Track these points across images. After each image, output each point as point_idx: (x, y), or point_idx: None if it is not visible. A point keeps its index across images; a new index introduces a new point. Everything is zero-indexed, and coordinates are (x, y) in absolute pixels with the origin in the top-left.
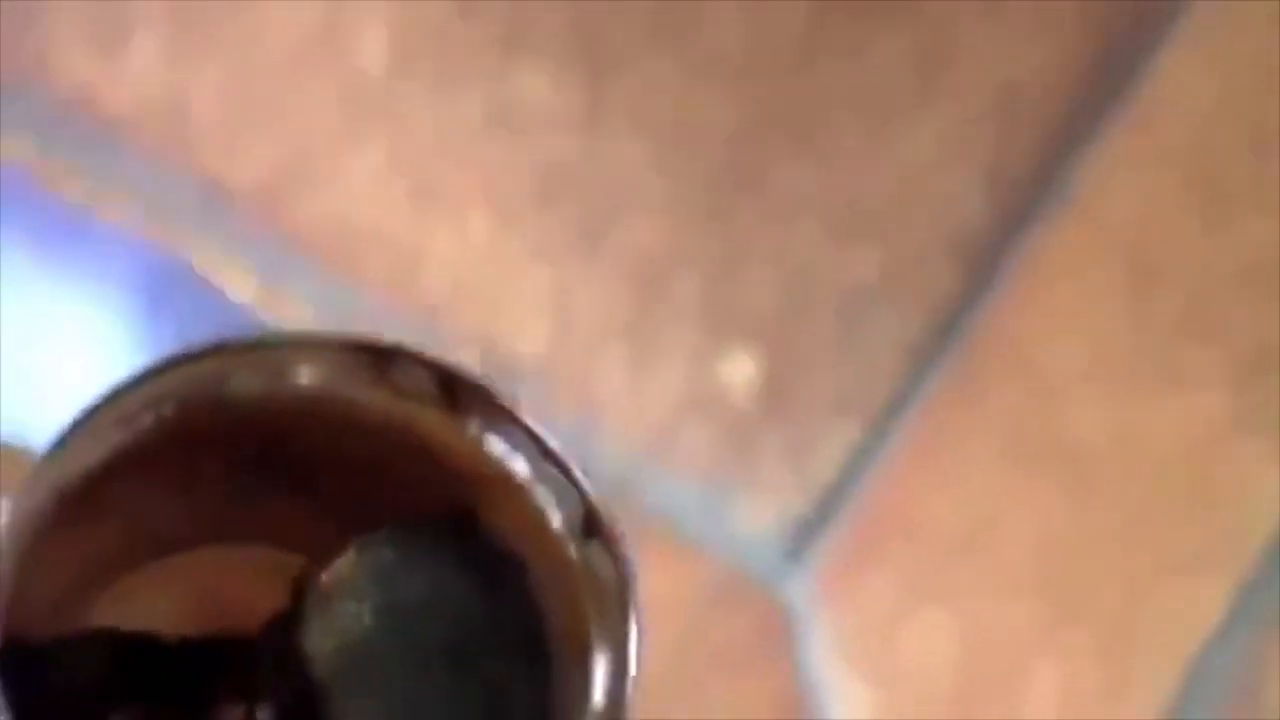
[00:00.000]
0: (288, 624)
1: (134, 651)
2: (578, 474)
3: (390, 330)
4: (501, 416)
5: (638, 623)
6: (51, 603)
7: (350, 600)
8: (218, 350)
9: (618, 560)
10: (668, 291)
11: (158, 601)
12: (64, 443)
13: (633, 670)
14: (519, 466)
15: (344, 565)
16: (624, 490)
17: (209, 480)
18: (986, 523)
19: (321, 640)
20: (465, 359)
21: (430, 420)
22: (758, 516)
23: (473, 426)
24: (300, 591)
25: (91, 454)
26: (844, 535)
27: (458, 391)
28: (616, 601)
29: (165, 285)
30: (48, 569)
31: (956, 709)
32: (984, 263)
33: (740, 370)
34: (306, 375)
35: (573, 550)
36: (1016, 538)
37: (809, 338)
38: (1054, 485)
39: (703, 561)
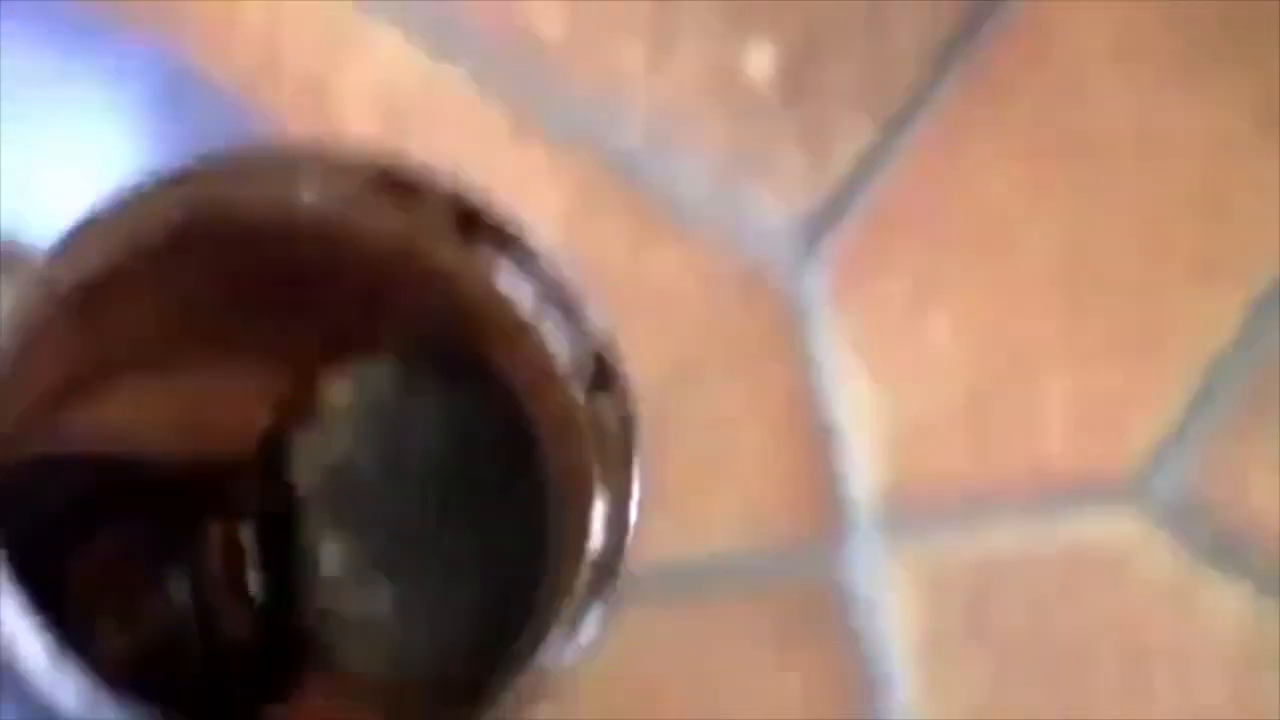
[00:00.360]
0: (276, 443)
1: (114, 471)
2: (591, 321)
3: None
4: (518, 255)
5: (640, 473)
6: (32, 410)
7: (343, 423)
8: (229, 162)
9: (624, 412)
10: None
11: (141, 413)
12: (66, 246)
13: (633, 520)
14: (529, 307)
15: (340, 387)
16: (638, 176)
17: (207, 291)
18: (1004, 222)
19: (311, 461)
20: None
21: (443, 252)
22: (772, 210)
23: (486, 262)
24: (292, 410)
25: (93, 260)
26: (859, 231)
27: (475, 225)
28: (620, 451)
29: (178, 93)
30: (32, 376)
31: (967, 408)
32: None
33: (760, 58)
34: (318, 193)
35: (578, 397)
36: (1033, 239)
37: (831, 28)
38: (1073, 186)
39: (715, 253)
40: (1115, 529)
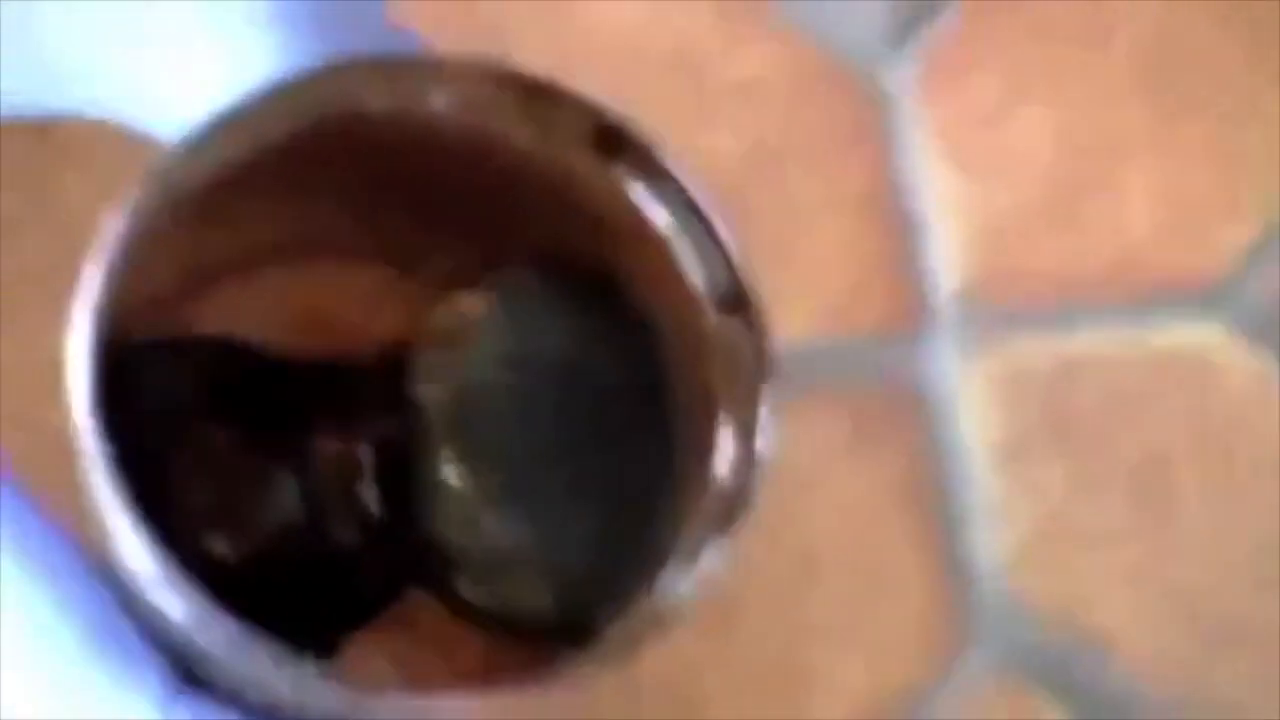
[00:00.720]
0: (402, 358)
1: (234, 362)
2: (729, 243)
3: None
4: (655, 171)
5: (771, 405)
6: (151, 301)
7: (473, 339)
8: (360, 65)
9: (758, 336)
10: None
11: (264, 312)
12: (190, 144)
13: (760, 451)
14: (665, 222)
15: (471, 305)
16: None
17: (334, 194)
18: (1100, 15)
19: (437, 380)
20: None
21: (576, 164)
22: (864, 2)
23: (621, 176)
24: (418, 323)
25: (217, 159)
26: (949, 25)
27: (614, 140)
28: (750, 379)
29: None
30: (152, 267)
31: (1054, 205)
32: None
33: None
34: (449, 99)
35: (711, 318)
36: (1130, 33)
37: None
38: None
39: (806, 45)
40: (1200, 333)
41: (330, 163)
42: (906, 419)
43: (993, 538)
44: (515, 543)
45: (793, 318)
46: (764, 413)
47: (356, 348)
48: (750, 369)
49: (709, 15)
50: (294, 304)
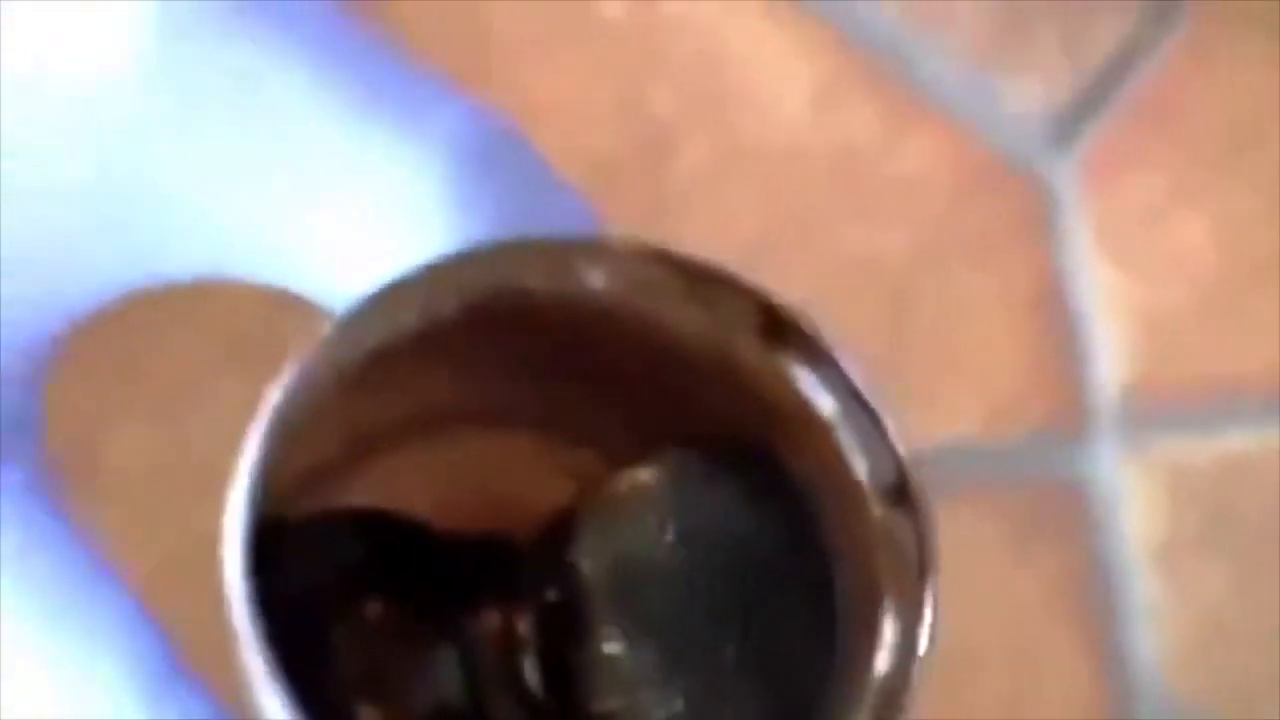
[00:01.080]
0: (566, 529)
1: (393, 538)
2: (891, 431)
3: None
4: (819, 356)
5: (934, 597)
6: (308, 476)
7: (640, 514)
8: (525, 245)
9: (921, 530)
10: None
11: (423, 486)
12: (356, 316)
13: (922, 646)
14: (830, 410)
15: (638, 476)
16: (892, 58)
17: (499, 368)
18: (1263, 123)
19: (601, 552)
20: None
21: (742, 348)
22: (1027, 99)
23: (787, 361)
24: (585, 497)
25: (382, 330)
26: (1112, 126)
27: (780, 328)
28: (914, 573)
29: (493, 152)
30: (313, 437)
31: (1214, 306)
32: None
33: None
34: (610, 280)
35: (875, 509)
36: None
37: None
38: None
39: (969, 141)
40: None
41: (496, 338)
42: (1069, 517)
43: (1152, 636)
44: (676, 718)
45: (957, 415)
46: (927, 606)
47: (517, 522)
48: (914, 562)
49: (873, 108)
50: (453, 474)
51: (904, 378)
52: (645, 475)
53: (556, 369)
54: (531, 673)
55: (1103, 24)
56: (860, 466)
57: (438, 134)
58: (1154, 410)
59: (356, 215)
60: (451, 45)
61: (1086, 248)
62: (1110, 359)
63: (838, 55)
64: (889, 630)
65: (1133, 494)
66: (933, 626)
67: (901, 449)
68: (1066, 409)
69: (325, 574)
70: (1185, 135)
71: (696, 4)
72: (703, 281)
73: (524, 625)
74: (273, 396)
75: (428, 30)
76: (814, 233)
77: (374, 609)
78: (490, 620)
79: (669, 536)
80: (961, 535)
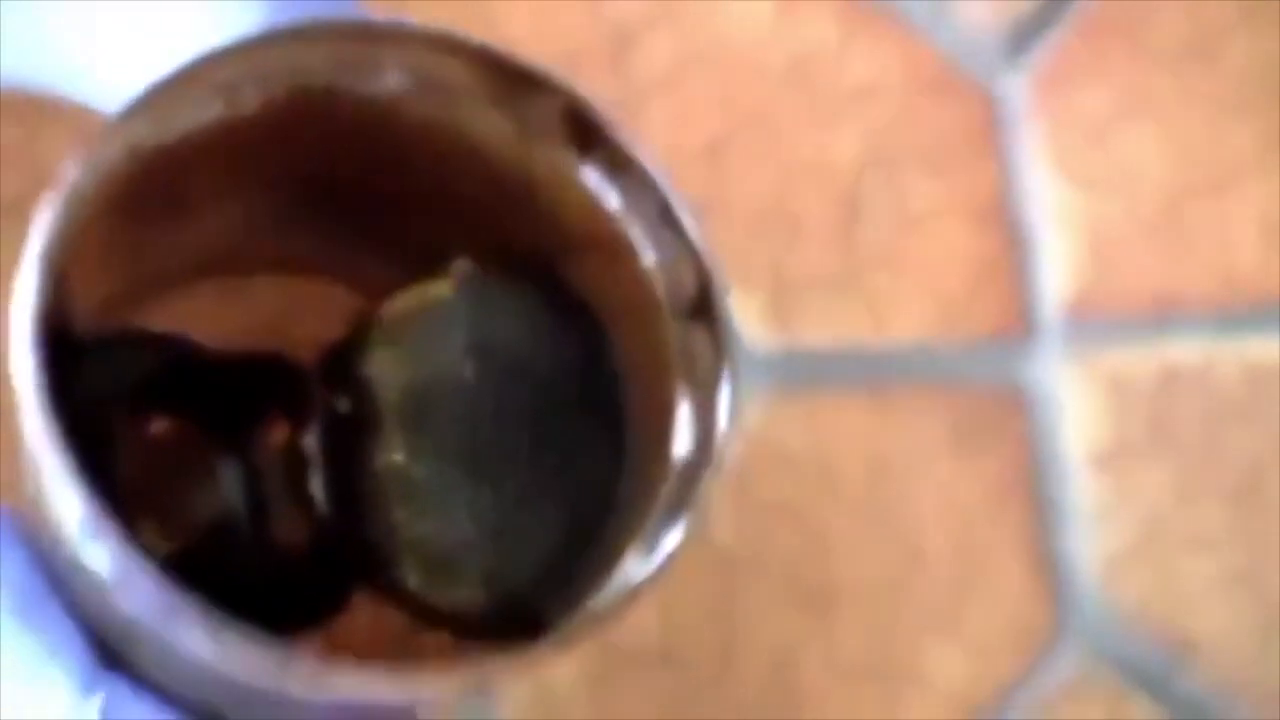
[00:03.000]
0: (351, 349)
1: (178, 358)
2: (698, 243)
3: None
4: (627, 165)
5: (730, 411)
6: (100, 301)
7: (428, 328)
8: (338, 32)
9: (719, 339)
10: None
11: (212, 321)
12: (150, 100)
13: (715, 449)
14: (634, 229)
15: (429, 290)
16: None
17: (288, 192)
18: (1211, 35)
19: (389, 365)
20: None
21: (547, 161)
22: (981, 11)
23: (593, 173)
24: (366, 321)
25: (177, 121)
26: (1064, 39)
27: (590, 135)
28: (710, 380)
29: None
30: (101, 259)
31: (1162, 218)
32: None
33: None
34: (411, 79)
35: (673, 325)
36: (1241, 53)
37: None
38: None
39: (922, 51)
40: None
41: (295, 153)
42: (1011, 421)
43: (1091, 540)
44: (465, 537)
45: (904, 318)
46: (720, 412)
47: (307, 351)
48: (711, 370)
49: (830, 17)
50: (242, 312)
51: (854, 280)
52: (436, 289)
53: (354, 198)
54: (318, 487)
55: None
56: (659, 284)
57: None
58: (1097, 320)
59: (140, 21)
60: None
61: (1036, 159)
62: (1056, 268)
63: None
64: (684, 421)
65: (1075, 400)
66: (727, 434)
67: (708, 260)
68: (1012, 316)
69: (110, 392)
70: (1137, 50)
71: None
72: (514, 80)
73: (311, 440)
74: (65, 173)
75: None
76: (769, 135)
77: (158, 426)
78: (278, 435)
79: (457, 350)
80: (907, 434)
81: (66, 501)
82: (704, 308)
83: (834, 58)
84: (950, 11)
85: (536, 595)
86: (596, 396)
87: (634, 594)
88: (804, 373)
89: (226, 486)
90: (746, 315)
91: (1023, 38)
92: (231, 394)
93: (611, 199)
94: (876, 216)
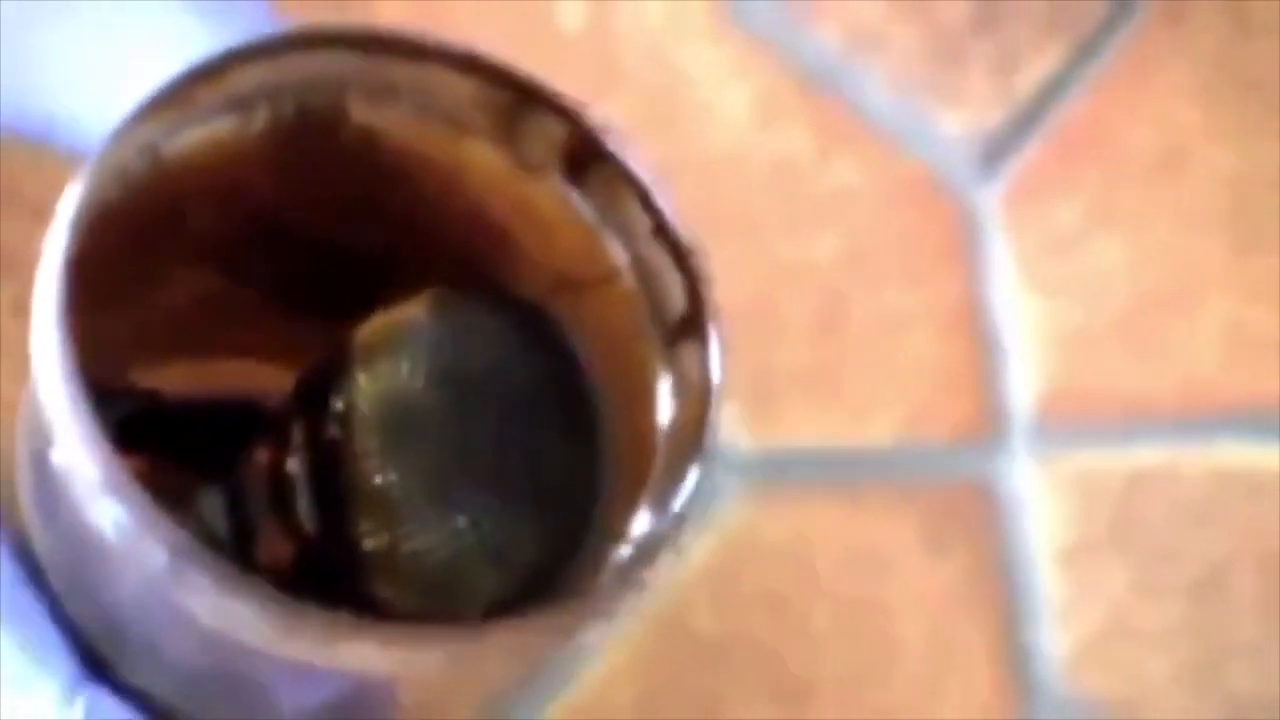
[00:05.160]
0: (327, 373)
1: (148, 408)
2: (695, 259)
3: None
4: (626, 186)
5: (714, 428)
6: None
7: (401, 350)
8: (353, 39)
9: (708, 361)
10: None
11: (187, 379)
12: (165, 99)
13: (694, 470)
14: (622, 249)
15: (402, 312)
16: (829, 82)
17: (267, 257)
18: (1178, 153)
19: (367, 388)
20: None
21: (543, 190)
22: (957, 124)
23: (588, 197)
24: (344, 340)
25: (188, 130)
26: (1037, 153)
27: (585, 148)
28: (697, 404)
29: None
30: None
31: (1128, 326)
32: None
33: None
34: (419, 104)
35: (657, 346)
36: (1207, 171)
37: None
38: (1248, 124)
39: (899, 160)
40: (1260, 453)
41: (266, 189)
42: (981, 519)
43: (1056, 634)
44: (453, 553)
45: (879, 418)
46: (706, 434)
47: (281, 388)
48: (700, 385)
49: (809, 126)
50: (218, 378)
51: (830, 380)
52: (409, 311)
53: (334, 256)
54: (305, 509)
55: (1031, 55)
56: (646, 309)
57: (245, 28)
58: (1065, 423)
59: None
60: None
61: (1007, 267)
62: (1025, 373)
63: (778, 74)
64: (666, 458)
65: (1042, 499)
66: (708, 453)
67: (703, 274)
68: (982, 418)
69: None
70: (1106, 164)
71: (649, 21)
72: (519, 96)
73: (295, 463)
74: (80, 176)
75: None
76: (752, 238)
77: (135, 465)
78: (260, 457)
79: (432, 371)
80: (882, 530)
81: (80, 459)
82: (694, 322)
83: (813, 166)
84: (926, 123)
85: (527, 605)
86: (571, 413)
87: (604, 606)
88: (783, 470)
89: (209, 513)
90: (726, 414)
91: (996, 151)
92: (206, 434)
93: (603, 222)
94: (853, 320)
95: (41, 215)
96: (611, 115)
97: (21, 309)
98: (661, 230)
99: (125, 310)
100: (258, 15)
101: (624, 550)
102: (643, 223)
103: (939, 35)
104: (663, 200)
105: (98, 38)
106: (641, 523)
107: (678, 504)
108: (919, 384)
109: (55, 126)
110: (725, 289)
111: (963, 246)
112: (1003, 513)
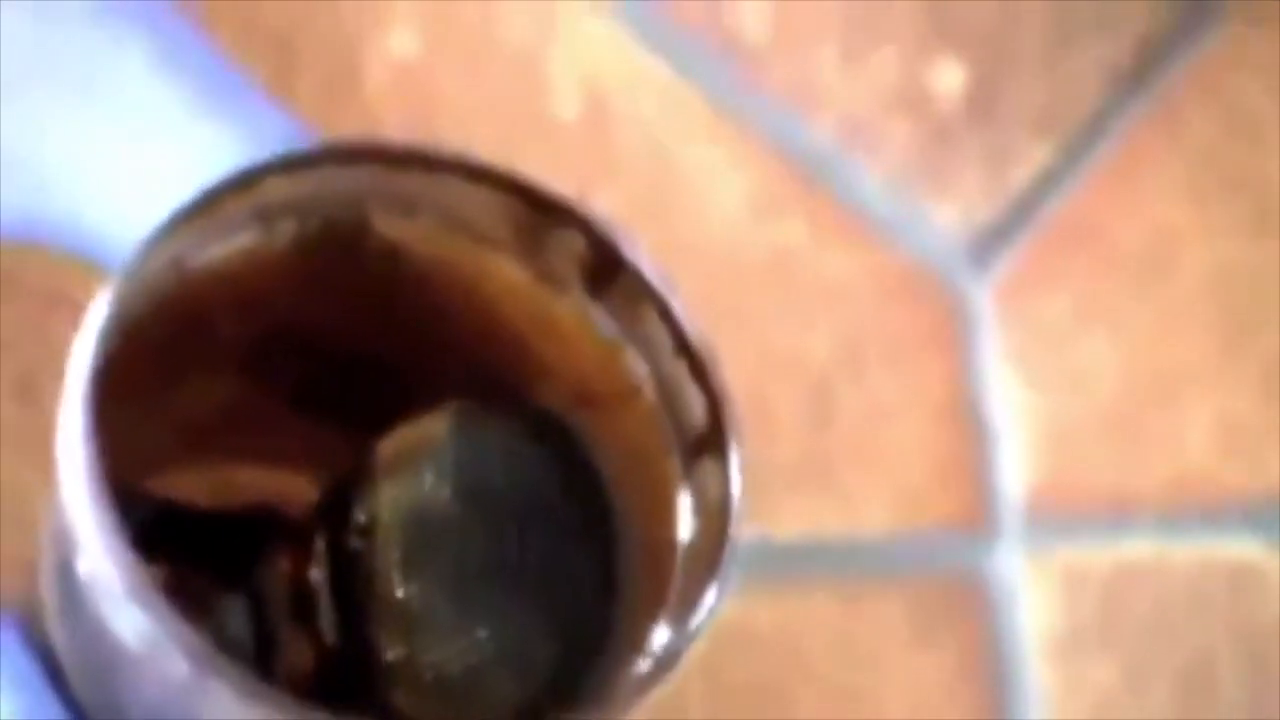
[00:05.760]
0: (350, 486)
1: (170, 516)
2: (713, 376)
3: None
4: (646, 302)
5: (734, 544)
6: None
7: (422, 465)
8: (376, 153)
9: (727, 475)
10: None
11: (209, 488)
12: (193, 211)
13: (712, 591)
14: (643, 366)
15: (423, 427)
16: (825, 174)
17: (283, 366)
18: (1167, 251)
19: (388, 502)
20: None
21: (561, 308)
22: (948, 218)
23: (608, 314)
24: (367, 454)
25: (213, 242)
26: (1026, 248)
27: (606, 262)
28: (716, 522)
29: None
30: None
31: (1115, 421)
32: (1191, 4)
33: (949, 76)
34: (449, 222)
35: (677, 464)
36: (1194, 269)
37: (1018, 53)
38: (1236, 223)
39: (892, 253)
40: (1246, 547)
41: (287, 302)
42: (970, 609)
43: None
44: (471, 663)
45: (870, 509)
46: (725, 550)
47: (303, 499)
48: (719, 497)
49: (805, 218)
50: (225, 499)
51: (821, 471)
52: (430, 426)
53: (352, 369)
54: (326, 620)
55: (1022, 153)
56: (667, 424)
57: (253, 132)
58: (1053, 515)
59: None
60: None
61: (996, 360)
62: (1014, 465)
63: (773, 167)
64: (685, 575)
65: (1030, 590)
66: (727, 569)
67: (722, 391)
68: (971, 509)
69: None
70: (1095, 260)
71: (644, 112)
72: (539, 211)
73: (316, 574)
74: (109, 287)
75: (402, 134)
76: (745, 328)
77: (156, 574)
78: (282, 566)
79: (452, 485)
80: (872, 620)
81: (104, 569)
82: (714, 439)
83: (808, 258)
84: (919, 218)
85: (545, 714)
86: (590, 526)
87: (622, 709)
88: (774, 562)
89: (231, 622)
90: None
91: (987, 245)
92: (227, 540)
93: (624, 338)
94: (845, 411)
95: (41, 300)
96: (607, 206)
97: (23, 393)
98: (682, 346)
99: (149, 415)
100: (275, 123)
101: (642, 663)
102: (663, 338)
103: (933, 130)
104: (682, 315)
105: (122, 142)
106: (660, 636)
107: (695, 622)
108: (909, 475)
109: (75, 229)
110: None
111: (953, 338)
112: (991, 603)
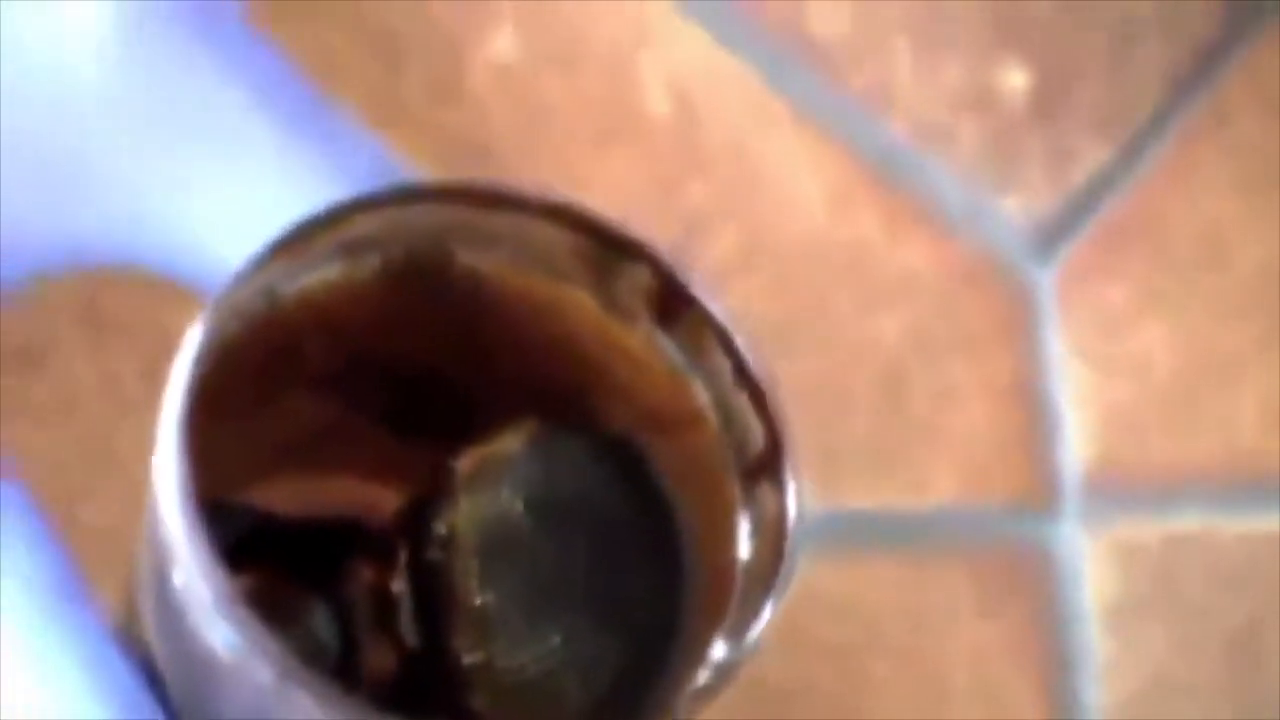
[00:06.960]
0: (429, 501)
1: (261, 526)
2: (773, 403)
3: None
4: (711, 329)
5: (789, 565)
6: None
7: (499, 480)
8: (457, 193)
9: (784, 501)
10: None
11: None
12: (283, 245)
13: (769, 605)
14: (706, 395)
15: (500, 444)
16: (898, 171)
17: (371, 387)
18: (1221, 243)
19: (467, 514)
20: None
21: (630, 337)
22: (1014, 212)
23: (674, 343)
24: (445, 470)
25: (302, 274)
26: (1088, 240)
27: (671, 302)
28: (773, 542)
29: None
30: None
31: (1170, 403)
32: (1247, 9)
33: (1016, 77)
34: (525, 255)
35: (737, 489)
36: (1247, 261)
37: (1081, 56)
38: None
39: (961, 245)
40: None
41: (373, 329)
42: (1032, 579)
43: (1101, 689)
44: (545, 669)
45: (939, 484)
46: (784, 573)
47: (386, 512)
48: (776, 522)
49: (879, 213)
50: (315, 509)
51: (893, 449)
52: (506, 444)
53: (434, 390)
54: (407, 625)
55: (1084, 150)
56: (728, 448)
57: (345, 165)
58: (1110, 491)
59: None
60: (519, 140)
61: (1059, 345)
62: (1075, 444)
63: (849, 163)
64: (743, 592)
65: (1089, 562)
66: (781, 588)
67: (780, 417)
68: (1034, 485)
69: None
70: (1152, 252)
71: (728, 111)
72: (610, 248)
73: (398, 584)
74: (204, 316)
75: (505, 131)
76: (823, 317)
77: (248, 581)
78: (365, 574)
79: (527, 501)
80: (939, 589)
81: (196, 582)
82: (772, 464)
83: (882, 250)
84: (986, 213)
85: (608, 716)
86: (655, 542)
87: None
88: (847, 533)
89: (318, 624)
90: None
91: (1050, 238)
92: (315, 553)
93: (689, 367)
94: (916, 393)
95: (111, 330)
96: (694, 200)
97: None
98: (742, 374)
99: (243, 433)
100: (366, 156)
101: (702, 674)
102: (725, 367)
103: (1000, 129)
104: (744, 347)
105: (218, 175)
106: (718, 650)
107: (752, 636)
108: (975, 452)
109: (171, 259)
110: (798, 365)
111: (1018, 325)
112: (1051, 575)
